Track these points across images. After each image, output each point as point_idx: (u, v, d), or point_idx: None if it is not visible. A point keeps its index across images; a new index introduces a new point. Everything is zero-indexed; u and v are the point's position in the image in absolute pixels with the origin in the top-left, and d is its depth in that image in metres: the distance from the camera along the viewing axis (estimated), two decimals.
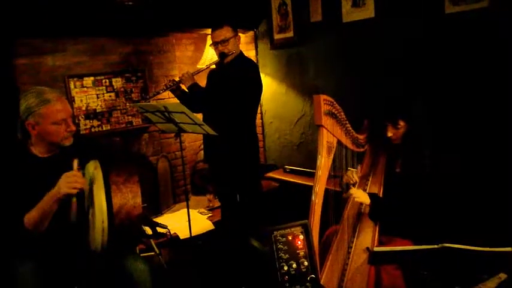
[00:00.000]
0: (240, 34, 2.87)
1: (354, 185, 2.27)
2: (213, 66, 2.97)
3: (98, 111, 3.22)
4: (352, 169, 2.29)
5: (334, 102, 2.06)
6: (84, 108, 3.14)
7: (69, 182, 1.74)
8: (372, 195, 2.15)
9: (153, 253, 2.63)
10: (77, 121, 3.09)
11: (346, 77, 3.29)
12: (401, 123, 2.15)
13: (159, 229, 2.27)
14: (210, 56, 3.63)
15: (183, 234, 2.88)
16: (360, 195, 2.14)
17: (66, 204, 1.80)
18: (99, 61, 3.21)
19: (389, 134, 2.18)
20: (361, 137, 2.26)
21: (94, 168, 1.79)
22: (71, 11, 2.78)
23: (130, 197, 1.79)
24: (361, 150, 2.32)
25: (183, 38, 3.93)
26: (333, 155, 2.08)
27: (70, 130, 1.92)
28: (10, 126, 1.93)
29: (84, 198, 1.88)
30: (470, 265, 1.54)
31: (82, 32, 3.03)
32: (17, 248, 1.88)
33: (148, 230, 2.24)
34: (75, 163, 1.80)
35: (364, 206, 2.22)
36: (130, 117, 3.39)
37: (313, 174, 2.07)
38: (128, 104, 3.36)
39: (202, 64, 3.63)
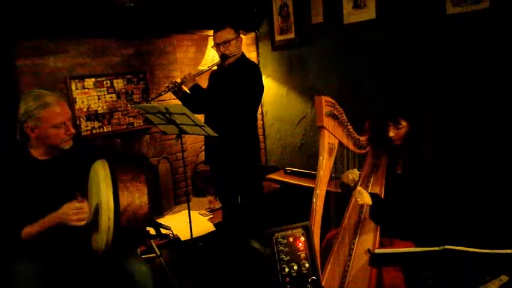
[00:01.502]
0: (241, 35, 2.88)
1: (354, 187, 2.27)
2: (215, 68, 2.97)
3: (99, 112, 3.22)
4: (352, 170, 2.28)
5: (336, 104, 2.06)
6: (85, 110, 3.15)
7: (77, 214, 1.75)
8: (373, 196, 2.14)
9: (153, 255, 2.63)
10: (78, 122, 3.09)
11: (348, 78, 3.29)
12: (403, 123, 2.14)
13: (162, 230, 2.27)
14: (211, 58, 3.63)
15: (184, 235, 2.88)
16: (363, 197, 2.12)
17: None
18: (101, 62, 3.22)
19: (391, 134, 2.17)
20: (362, 138, 2.26)
21: (102, 166, 1.79)
22: (73, 12, 2.79)
23: (137, 196, 1.76)
24: (363, 151, 2.31)
25: (184, 39, 3.93)
26: (334, 156, 2.08)
27: (70, 133, 1.92)
28: (11, 128, 1.92)
29: (89, 197, 1.89)
30: (472, 267, 1.53)
31: (83, 33, 3.04)
32: (16, 250, 1.87)
33: (151, 231, 2.24)
34: (79, 196, 1.81)
35: (365, 208, 2.22)
36: (131, 118, 3.40)
37: (315, 176, 2.07)
38: (129, 106, 3.36)
39: (203, 65, 3.63)
